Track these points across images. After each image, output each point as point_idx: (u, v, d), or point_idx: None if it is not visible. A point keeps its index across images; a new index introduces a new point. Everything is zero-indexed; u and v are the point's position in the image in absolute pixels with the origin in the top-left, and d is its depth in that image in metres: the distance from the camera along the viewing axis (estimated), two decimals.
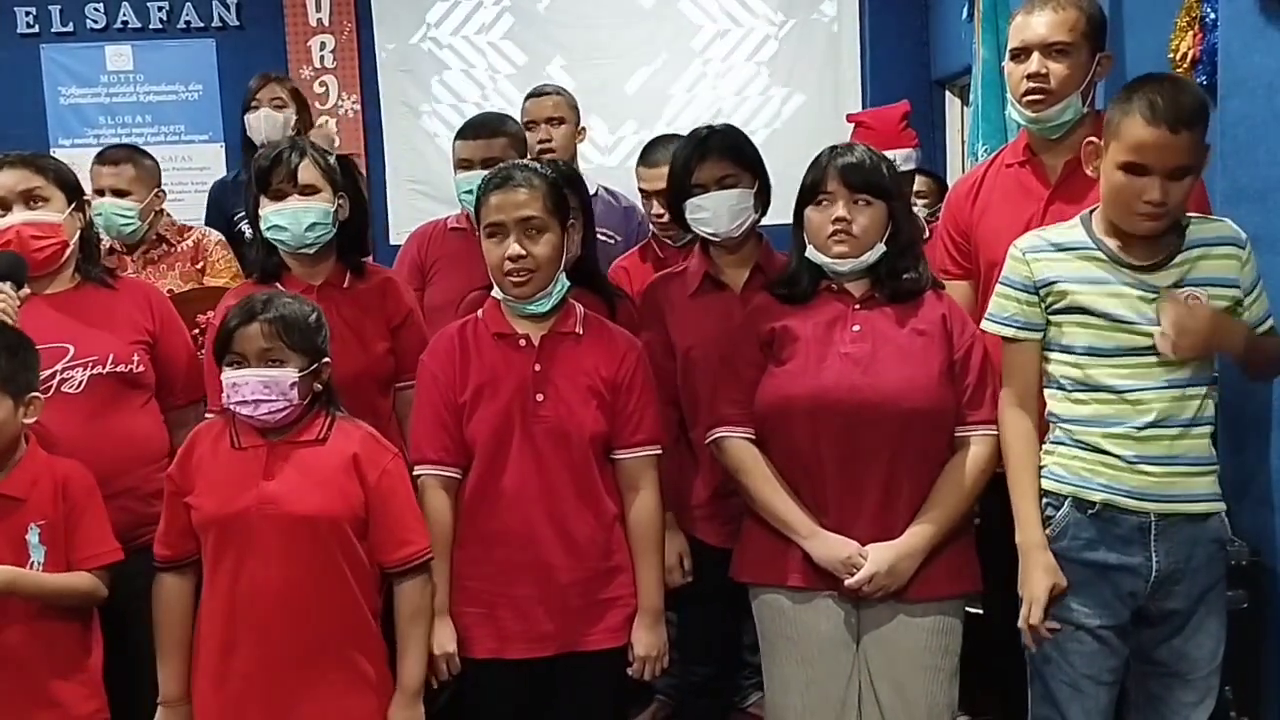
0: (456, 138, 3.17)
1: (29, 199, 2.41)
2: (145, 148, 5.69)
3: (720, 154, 2.53)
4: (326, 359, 2.17)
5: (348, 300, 2.54)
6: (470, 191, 3.06)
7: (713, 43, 5.68)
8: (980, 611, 2.77)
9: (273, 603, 2.08)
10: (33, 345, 2.23)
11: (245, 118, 3.74)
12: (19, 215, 2.40)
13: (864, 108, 5.03)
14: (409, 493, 2.20)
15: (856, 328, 2.24)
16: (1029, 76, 2.39)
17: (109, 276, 2.55)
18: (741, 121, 5.38)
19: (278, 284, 2.47)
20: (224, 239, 3.47)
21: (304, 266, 2.54)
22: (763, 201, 2.58)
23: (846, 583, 2.18)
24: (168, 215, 3.50)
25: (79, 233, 2.48)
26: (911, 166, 3.21)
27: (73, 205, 2.46)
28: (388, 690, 2.18)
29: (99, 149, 5.40)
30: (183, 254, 3.46)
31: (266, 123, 3.67)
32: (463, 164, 3.07)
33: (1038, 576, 2.11)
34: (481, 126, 3.16)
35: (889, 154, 3.07)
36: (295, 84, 3.94)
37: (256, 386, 2.08)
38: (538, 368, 2.26)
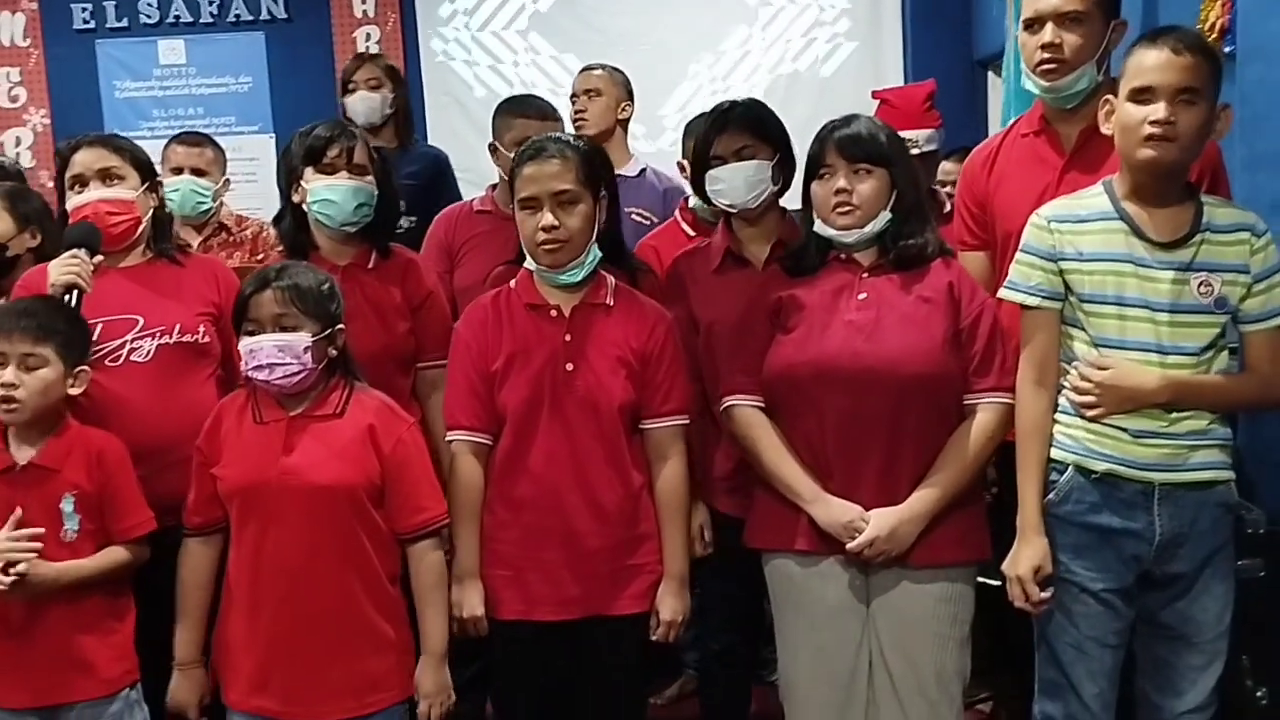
0: (500, 115, 3.22)
1: (105, 176, 2.50)
2: None
3: (739, 126, 2.55)
4: (340, 326, 2.23)
5: (371, 280, 2.60)
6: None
7: (748, 32, 5.69)
8: (998, 584, 2.79)
9: (293, 569, 2.15)
10: (86, 323, 2.32)
11: (343, 100, 3.78)
12: (95, 192, 2.49)
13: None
14: (425, 461, 2.26)
15: (862, 295, 2.26)
16: (1043, 47, 2.38)
17: (179, 253, 2.64)
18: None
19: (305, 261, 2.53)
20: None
21: (334, 244, 2.62)
22: (784, 175, 2.59)
23: (847, 546, 2.20)
24: (227, 205, 3.62)
25: (151, 210, 2.58)
26: (934, 147, 3.21)
27: (146, 185, 2.56)
28: (409, 650, 2.24)
29: (153, 140, 5.58)
30: (242, 243, 3.57)
31: (364, 104, 3.73)
32: (517, 144, 3.10)
33: (1025, 555, 2.15)
34: (526, 106, 3.24)
35: (911, 134, 3.14)
36: (390, 60, 3.97)
37: (271, 351, 2.14)
38: (568, 338, 2.31)
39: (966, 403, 2.26)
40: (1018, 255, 2.22)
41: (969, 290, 2.29)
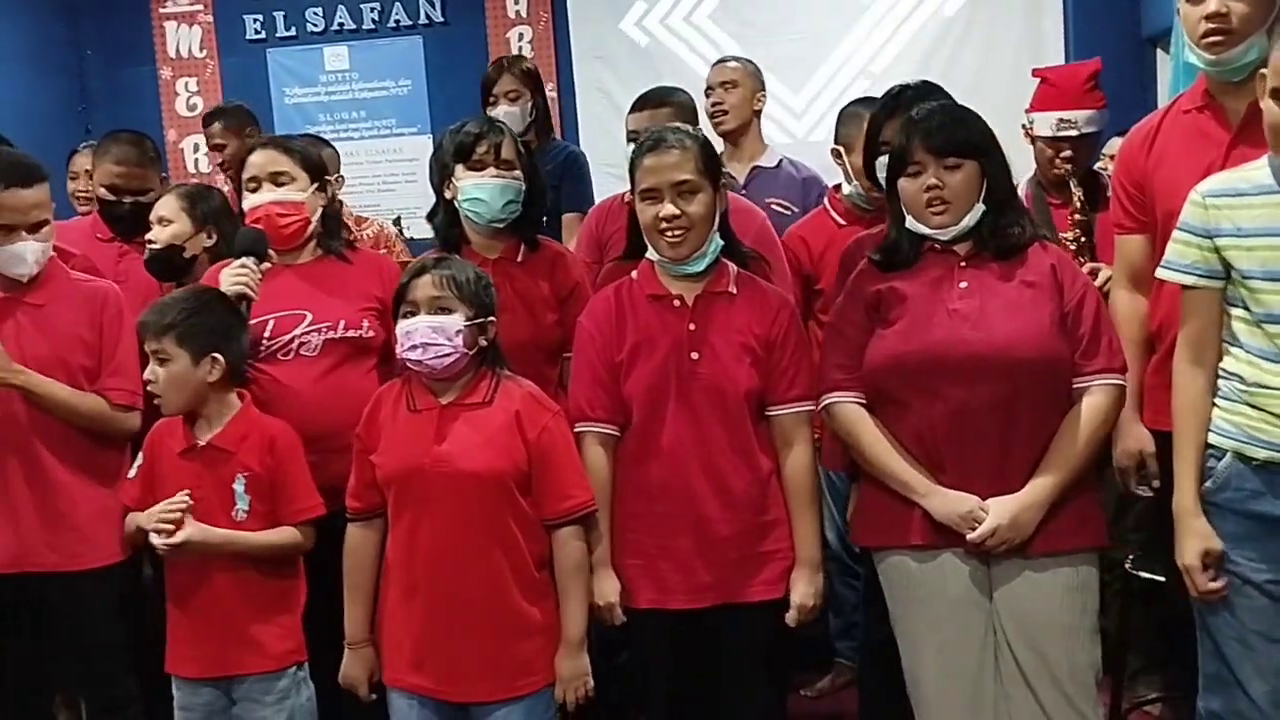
0: (629, 112, 3.26)
1: (276, 179, 2.64)
2: (360, 141, 6.12)
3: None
4: (492, 318, 2.29)
5: (520, 273, 2.67)
6: None
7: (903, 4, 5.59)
8: (1162, 579, 2.68)
9: (446, 553, 2.22)
10: (217, 308, 2.44)
11: (485, 112, 3.84)
12: (267, 194, 2.63)
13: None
14: (570, 448, 2.30)
15: (964, 284, 2.22)
16: (1207, 17, 2.27)
17: (347, 250, 2.77)
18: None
19: (457, 255, 2.60)
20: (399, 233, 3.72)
21: (484, 239, 2.70)
22: None
23: (968, 537, 2.15)
24: (347, 206, 3.74)
25: (321, 210, 2.71)
26: (1096, 129, 3.09)
27: (315, 185, 2.68)
28: (556, 633, 2.29)
29: None
30: (363, 243, 3.69)
31: (507, 119, 3.80)
32: (632, 136, 3.17)
33: (1189, 545, 2.07)
34: (649, 98, 3.26)
35: (1071, 114, 3.04)
36: (528, 62, 4.02)
37: (426, 331, 2.21)
38: (692, 327, 2.32)
39: (1076, 386, 2.20)
40: (1175, 233, 2.14)
41: (1070, 273, 2.24)
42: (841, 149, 3.16)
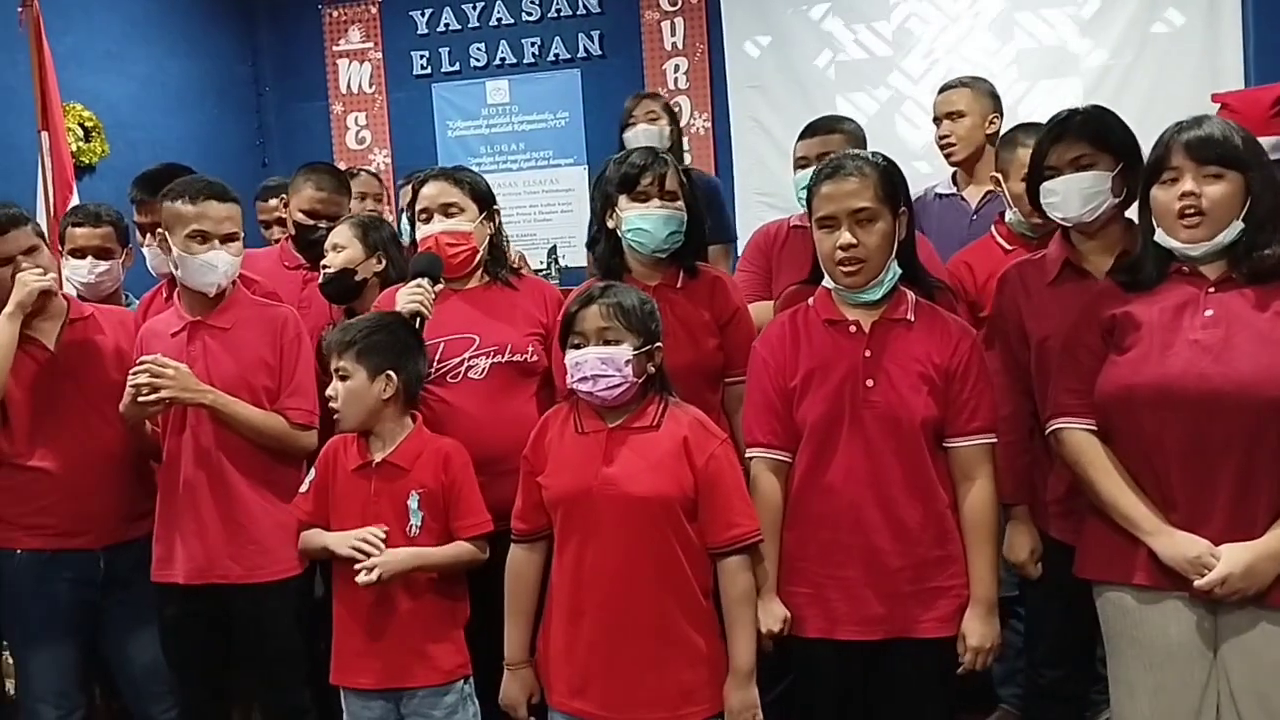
0: (797, 140, 3.26)
1: (446, 210, 2.75)
2: (518, 172, 6.28)
3: (1077, 135, 2.44)
4: (659, 344, 2.30)
5: (680, 299, 2.68)
6: (806, 188, 3.15)
7: (1075, 31, 5.44)
8: None
9: (612, 577, 2.22)
10: (397, 329, 2.53)
11: (623, 135, 3.96)
12: (437, 225, 2.75)
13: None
14: (737, 476, 2.28)
15: (1209, 312, 2.09)
16: None
17: (513, 276, 2.85)
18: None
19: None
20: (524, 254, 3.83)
21: (645, 267, 2.71)
22: (1127, 186, 2.43)
23: (1196, 584, 2.03)
24: None
25: (488, 239, 2.80)
26: None
27: (483, 215, 2.78)
28: (721, 663, 2.26)
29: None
30: None
31: (644, 136, 3.87)
32: (800, 162, 3.17)
33: None
34: (818, 125, 3.24)
35: None
36: (666, 99, 4.14)
37: (595, 363, 2.23)
38: (868, 354, 2.28)
39: None
40: None
41: None
42: (1000, 175, 3.09)
